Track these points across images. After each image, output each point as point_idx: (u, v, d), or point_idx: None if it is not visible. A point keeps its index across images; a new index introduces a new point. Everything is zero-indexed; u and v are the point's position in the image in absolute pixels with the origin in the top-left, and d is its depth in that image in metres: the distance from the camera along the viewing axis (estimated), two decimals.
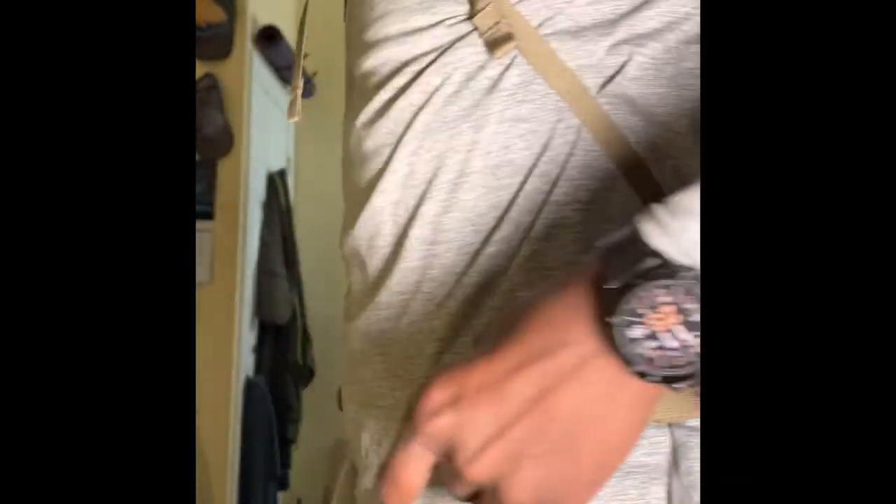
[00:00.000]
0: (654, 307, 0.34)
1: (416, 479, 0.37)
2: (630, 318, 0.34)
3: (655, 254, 0.34)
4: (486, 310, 0.44)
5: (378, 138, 0.49)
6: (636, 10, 0.43)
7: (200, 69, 2.25)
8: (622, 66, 0.43)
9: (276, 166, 2.73)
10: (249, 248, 2.38)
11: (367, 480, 0.51)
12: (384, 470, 0.38)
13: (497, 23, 0.43)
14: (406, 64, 0.47)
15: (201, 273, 2.23)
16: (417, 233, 0.46)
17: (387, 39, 0.48)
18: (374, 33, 0.49)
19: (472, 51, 0.45)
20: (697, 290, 0.35)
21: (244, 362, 2.35)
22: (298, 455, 2.81)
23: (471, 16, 0.44)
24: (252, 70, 2.38)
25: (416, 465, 0.37)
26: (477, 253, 0.45)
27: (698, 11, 0.43)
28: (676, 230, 0.35)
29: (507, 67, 0.44)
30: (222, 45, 2.26)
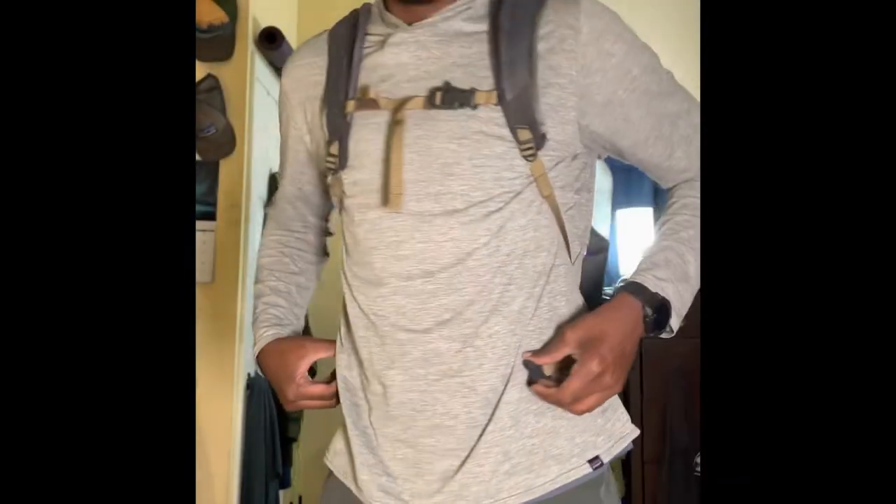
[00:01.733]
0: (660, 311, 0.92)
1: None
2: (654, 316, 0.92)
3: (658, 295, 0.92)
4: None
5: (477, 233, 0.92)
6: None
7: (202, 70, 2.26)
8: None
9: (277, 167, 2.73)
10: (251, 248, 2.39)
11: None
12: (567, 388, 0.87)
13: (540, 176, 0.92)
14: (498, 195, 0.90)
15: (203, 273, 2.24)
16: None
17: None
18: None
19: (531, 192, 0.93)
20: (679, 305, 0.95)
21: (246, 361, 2.36)
22: (300, 453, 2.82)
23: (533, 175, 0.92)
24: (254, 71, 2.39)
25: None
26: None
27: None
28: (668, 287, 0.93)
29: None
30: (224, 46, 2.27)
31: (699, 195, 0.96)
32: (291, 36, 2.97)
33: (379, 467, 0.94)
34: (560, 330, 0.90)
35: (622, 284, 0.93)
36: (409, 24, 0.94)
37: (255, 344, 1.09)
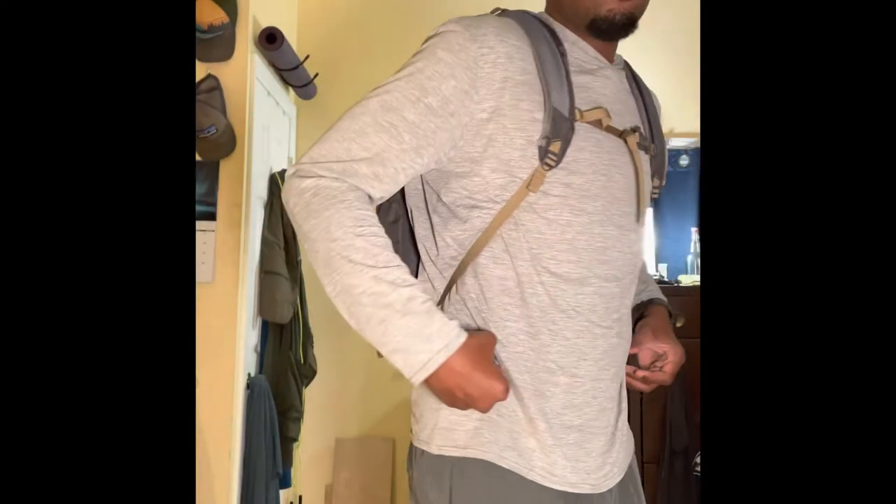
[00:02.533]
0: (677, 316, 1.27)
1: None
2: (675, 318, 1.25)
3: (669, 307, 1.27)
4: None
5: None
6: None
7: (202, 70, 2.26)
8: None
9: (278, 167, 2.74)
10: (251, 248, 2.40)
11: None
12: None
13: None
14: (644, 222, 1.18)
15: (204, 273, 2.24)
16: None
17: None
18: None
19: None
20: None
21: (246, 361, 2.36)
22: (300, 453, 2.83)
23: None
24: (254, 71, 2.39)
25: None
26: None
27: None
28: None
29: None
30: (224, 46, 2.27)
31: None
32: (291, 36, 2.97)
33: (568, 456, 1.06)
34: (641, 329, 1.20)
35: (650, 300, 1.26)
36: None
37: (431, 337, 0.93)
